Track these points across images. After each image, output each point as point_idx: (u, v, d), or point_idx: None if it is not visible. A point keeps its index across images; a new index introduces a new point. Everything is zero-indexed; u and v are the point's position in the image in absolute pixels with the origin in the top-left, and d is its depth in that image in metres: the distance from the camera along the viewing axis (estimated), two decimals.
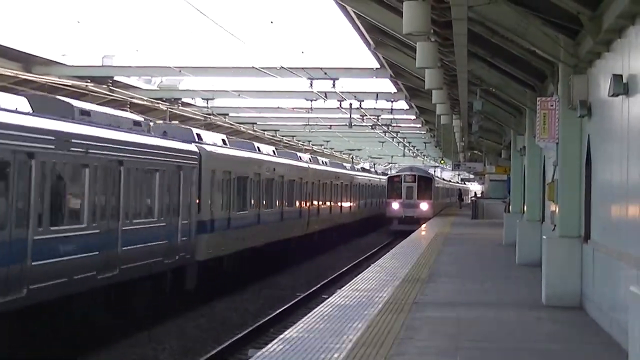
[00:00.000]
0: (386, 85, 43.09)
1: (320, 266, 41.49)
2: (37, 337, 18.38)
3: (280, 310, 26.61)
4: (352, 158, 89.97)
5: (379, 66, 35.86)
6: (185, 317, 25.21)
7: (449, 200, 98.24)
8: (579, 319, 16.77)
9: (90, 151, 20.08)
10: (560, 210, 18.95)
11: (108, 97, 36.93)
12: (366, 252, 48.58)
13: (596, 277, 16.57)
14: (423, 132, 66.54)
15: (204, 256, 27.60)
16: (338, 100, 44.39)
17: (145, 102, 40.22)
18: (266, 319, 24.97)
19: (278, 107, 52.28)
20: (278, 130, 65.68)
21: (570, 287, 18.25)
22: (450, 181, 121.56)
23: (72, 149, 19.22)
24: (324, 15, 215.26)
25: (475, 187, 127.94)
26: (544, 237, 20.60)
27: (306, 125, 60.01)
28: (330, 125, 60.35)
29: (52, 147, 18.33)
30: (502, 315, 17.17)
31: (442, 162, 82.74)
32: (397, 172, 72.43)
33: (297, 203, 43.21)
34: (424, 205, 64.94)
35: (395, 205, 65.10)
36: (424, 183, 65.87)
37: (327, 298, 19.66)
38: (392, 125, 58.74)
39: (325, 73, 36.92)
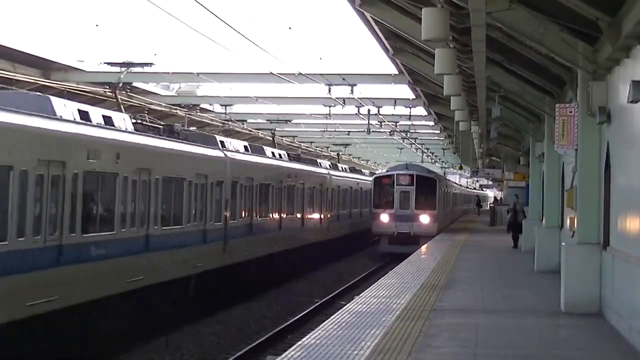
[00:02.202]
0: (404, 91, 43.06)
1: (338, 272, 41.46)
2: (49, 344, 18.42)
3: (298, 316, 26.59)
4: (368, 164, 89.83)
5: (397, 72, 35.82)
6: (202, 322, 25.22)
7: (464, 207, 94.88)
8: (598, 326, 16.69)
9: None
10: (579, 217, 18.87)
11: (126, 103, 36.95)
12: (385, 259, 48.51)
13: (615, 283, 16.49)
14: (442, 139, 66.38)
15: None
16: (356, 107, 44.39)
17: (163, 108, 40.29)
18: (284, 325, 24.95)
19: (296, 114, 52.31)
20: (296, 137, 65.65)
21: (589, 294, 18.16)
22: (461, 185, 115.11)
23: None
24: (342, 22, 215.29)
25: (492, 194, 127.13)
26: (563, 243, 20.51)
27: (324, 131, 60.01)
28: (349, 132, 60.26)
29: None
30: (521, 322, 17.10)
31: (461, 168, 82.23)
32: (387, 172, 53.40)
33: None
34: (425, 218, 47.94)
35: (385, 217, 48.05)
36: (426, 186, 48.61)
37: (345, 304, 19.64)
38: (411, 131, 58.62)
39: (344, 79, 36.89)
